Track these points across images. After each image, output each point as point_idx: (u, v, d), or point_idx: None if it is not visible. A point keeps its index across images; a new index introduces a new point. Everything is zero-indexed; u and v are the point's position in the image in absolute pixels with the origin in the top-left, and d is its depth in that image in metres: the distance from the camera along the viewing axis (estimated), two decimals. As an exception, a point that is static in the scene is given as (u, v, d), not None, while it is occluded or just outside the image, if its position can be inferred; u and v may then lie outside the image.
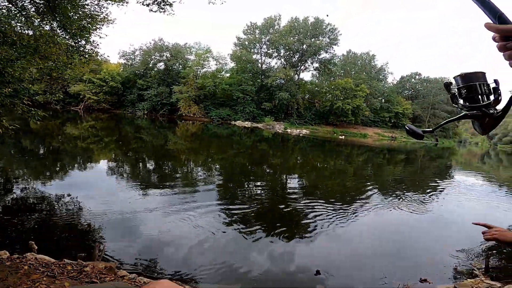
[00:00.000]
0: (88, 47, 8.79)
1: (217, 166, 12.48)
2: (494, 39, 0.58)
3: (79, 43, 8.43)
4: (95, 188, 7.56)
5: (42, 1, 7.21)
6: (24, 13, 7.12)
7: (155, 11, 8.76)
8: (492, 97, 0.65)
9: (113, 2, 8.34)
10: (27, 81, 7.52)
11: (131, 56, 44.63)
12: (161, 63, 44.12)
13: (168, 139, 21.31)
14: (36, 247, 3.59)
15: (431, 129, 0.73)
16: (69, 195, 6.68)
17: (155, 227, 5.22)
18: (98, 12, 8.54)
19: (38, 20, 7.37)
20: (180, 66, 44.24)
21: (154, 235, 4.89)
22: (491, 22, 0.57)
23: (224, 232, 5.11)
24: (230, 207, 6.66)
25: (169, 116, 38.88)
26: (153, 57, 43.53)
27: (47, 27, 7.57)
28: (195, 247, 4.56)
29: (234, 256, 4.31)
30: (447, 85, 0.69)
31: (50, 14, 7.21)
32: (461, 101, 0.68)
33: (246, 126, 38.49)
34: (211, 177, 9.99)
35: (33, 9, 7.32)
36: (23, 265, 2.99)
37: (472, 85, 0.65)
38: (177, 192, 7.63)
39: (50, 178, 8.58)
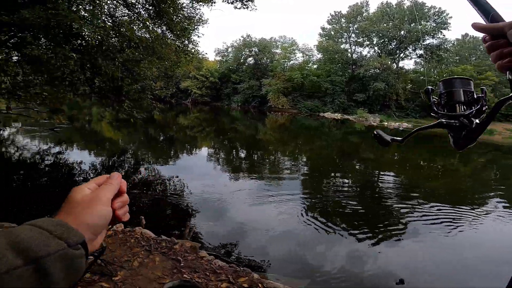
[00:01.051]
0: (190, 46, 10.11)
1: (304, 158, 12.55)
2: (484, 39, 0.53)
3: (184, 43, 9.76)
4: (197, 172, 8.83)
5: (151, 7, 8.39)
6: (140, 19, 8.53)
7: (239, 8, 9.33)
8: (475, 108, 0.57)
9: (202, 3, 9.30)
10: (150, 79, 9.17)
11: (225, 53, 48.80)
12: (251, 58, 46.53)
13: (258, 129, 22.59)
14: (145, 222, 3.99)
15: (400, 138, 0.63)
16: (177, 176, 8.01)
17: (240, 213, 5.67)
18: (193, 14, 9.70)
19: (152, 24, 8.60)
20: (268, 60, 45.69)
21: (238, 221, 5.30)
22: (481, 22, 0.53)
23: (305, 224, 5.14)
24: (314, 200, 6.67)
25: (259, 108, 40.90)
26: (243, 52, 46.39)
27: (159, 30, 8.83)
28: (274, 236, 4.71)
29: (310, 250, 4.27)
30: (427, 92, 0.61)
31: (159, 18, 8.40)
32: (440, 109, 0.60)
33: (336, 118, 36.84)
34: (298, 168, 10.16)
35: (146, 15, 8.57)
36: (130, 238, 3.44)
37: (454, 91, 0.57)
38: (264, 180, 8.12)
39: (165, 161, 10.48)
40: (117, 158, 10.31)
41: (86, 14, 6.18)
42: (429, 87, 0.62)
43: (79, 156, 9.86)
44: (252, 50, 46.31)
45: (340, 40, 44.99)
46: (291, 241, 4.59)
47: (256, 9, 9.44)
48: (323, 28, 46.21)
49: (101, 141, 13.48)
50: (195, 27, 9.87)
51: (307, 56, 44.87)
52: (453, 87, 0.58)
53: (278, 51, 46.15)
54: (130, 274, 2.75)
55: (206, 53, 53.59)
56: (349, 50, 44.62)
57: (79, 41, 6.37)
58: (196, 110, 34.64)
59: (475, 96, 0.59)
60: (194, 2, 9.22)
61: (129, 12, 8.55)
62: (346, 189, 7.77)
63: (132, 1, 8.26)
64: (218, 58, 49.77)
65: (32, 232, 0.37)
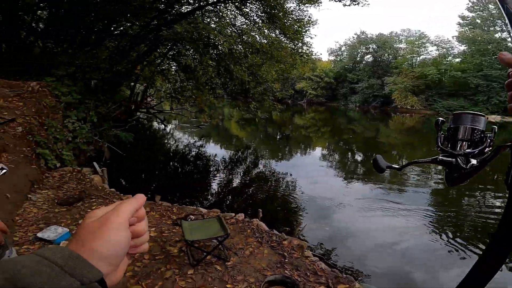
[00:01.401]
0: (304, 48, 10.30)
1: (439, 166, 10.47)
2: (508, 74, 0.46)
3: (297, 45, 10.04)
4: (309, 172, 8.90)
5: (263, 14, 8.97)
6: (256, 25, 9.26)
7: (348, 5, 8.70)
8: (478, 148, 0.54)
9: (309, 5, 9.16)
10: (271, 81, 10.00)
11: (339, 52, 46.71)
12: (369, 56, 42.68)
13: (380, 132, 20.49)
14: (261, 215, 4.26)
15: (398, 166, 0.64)
16: (290, 174, 8.33)
17: (350, 219, 5.36)
18: (302, 16, 9.77)
19: (266, 30, 9.27)
20: (390, 56, 40.64)
21: (346, 226, 5.02)
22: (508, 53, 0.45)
23: (426, 240, 4.46)
24: (445, 214, 5.63)
25: (382, 109, 36.99)
26: (358, 50, 43.10)
27: (273, 35, 9.44)
28: (381, 246, 4.31)
29: (425, 269, 3.71)
30: (436, 123, 0.59)
31: (272, 23, 8.93)
32: (444, 144, 0.57)
33: (493, 120, 28.74)
34: (428, 176, 8.63)
35: (260, 21, 9.28)
36: (248, 228, 3.74)
37: (460, 127, 0.55)
38: (381, 188, 7.34)
39: (281, 159, 11.11)
40: (241, 153, 11.79)
41: (214, 26, 7.40)
42: (439, 118, 0.60)
43: (214, 150, 11.88)
44: (369, 47, 42.54)
45: (492, 28, 35.24)
46: (400, 254, 4.10)
47: (368, 4, 8.75)
48: (462, 17, 37.43)
49: (230, 137, 15.75)
50: (306, 28, 10.09)
51: (444, 49, 37.31)
52: (461, 123, 0.56)
53: (402, 46, 40.46)
54: (240, 262, 3.03)
55: (320, 54, 52.99)
56: (509, 39, 33.88)
57: (214, 51, 7.71)
58: (311, 110, 34.88)
59: (482, 135, 0.55)
60: (300, 4, 9.40)
61: (246, 21, 9.54)
62: (499, 204, 6.01)
63: (247, 10, 9.18)
64: (331, 58, 48.48)
65: (37, 265, 0.30)
